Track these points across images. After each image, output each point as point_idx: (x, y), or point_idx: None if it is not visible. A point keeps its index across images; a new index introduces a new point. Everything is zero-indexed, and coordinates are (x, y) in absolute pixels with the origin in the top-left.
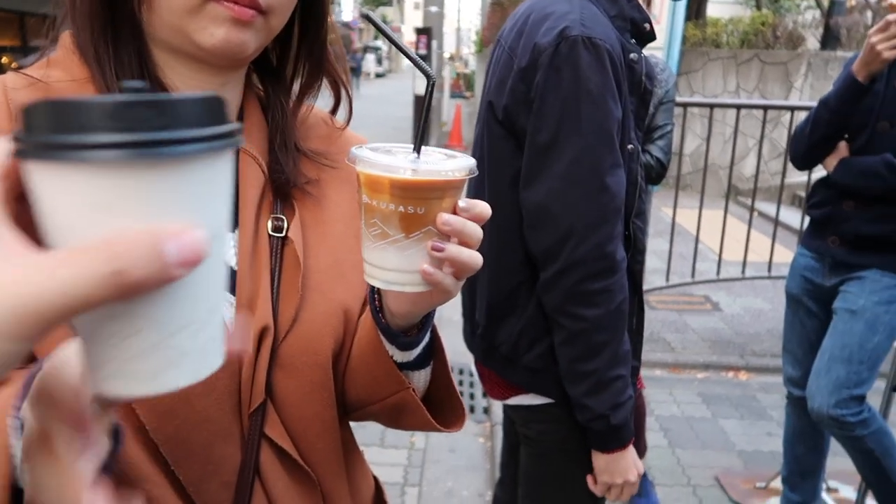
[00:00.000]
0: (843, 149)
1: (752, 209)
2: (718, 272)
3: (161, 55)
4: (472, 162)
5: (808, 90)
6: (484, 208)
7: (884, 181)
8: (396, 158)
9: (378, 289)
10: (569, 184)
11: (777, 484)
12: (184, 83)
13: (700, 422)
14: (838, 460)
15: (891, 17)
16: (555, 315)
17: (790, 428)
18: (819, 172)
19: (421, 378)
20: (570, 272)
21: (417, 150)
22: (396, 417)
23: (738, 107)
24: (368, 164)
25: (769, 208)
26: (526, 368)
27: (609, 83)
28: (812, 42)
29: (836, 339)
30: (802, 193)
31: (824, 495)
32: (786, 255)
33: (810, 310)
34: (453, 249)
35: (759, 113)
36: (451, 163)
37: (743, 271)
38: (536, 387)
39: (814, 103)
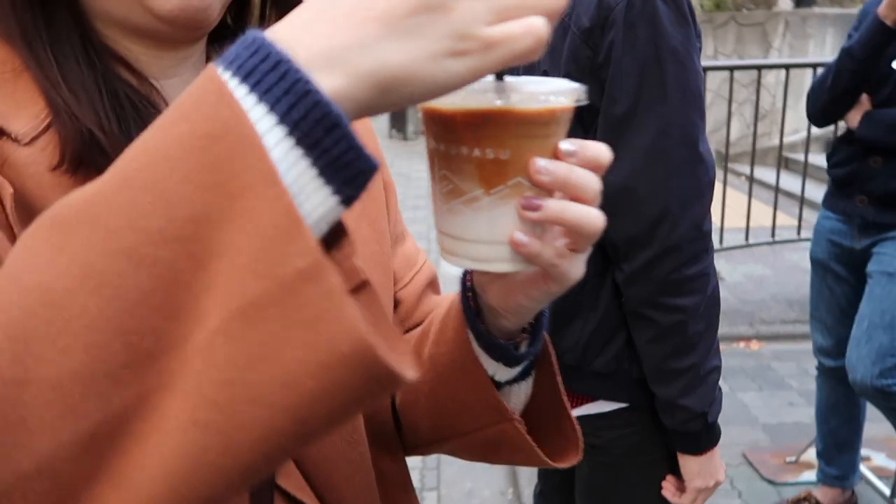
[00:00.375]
0: (865, 102)
1: (751, 176)
2: (721, 241)
3: (105, 31)
4: (576, 85)
5: (786, 49)
6: (599, 151)
7: None
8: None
9: (472, 279)
10: (657, 158)
11: (807, 457)
12: (136, 63)
13: None
14: (868, 427)
15: None
16: (643, 309)
17: (823, 400)
18: (794, 137)
19: (520, 394)
20: (665, 259)
21: (500, 77)
22: (488, 453)
23: (731, 69)
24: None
25: (758, 173)
26: (596, 375)
27: (692, 37)
28: (785, 2)
29: (874, 304)
30: (789, 155)
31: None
32: (781, 219)
33: (839, 275)
34: (554, 206)
35: (740, 76)
36: (548, 85)
37: (746, 238)
38: (608, 393)
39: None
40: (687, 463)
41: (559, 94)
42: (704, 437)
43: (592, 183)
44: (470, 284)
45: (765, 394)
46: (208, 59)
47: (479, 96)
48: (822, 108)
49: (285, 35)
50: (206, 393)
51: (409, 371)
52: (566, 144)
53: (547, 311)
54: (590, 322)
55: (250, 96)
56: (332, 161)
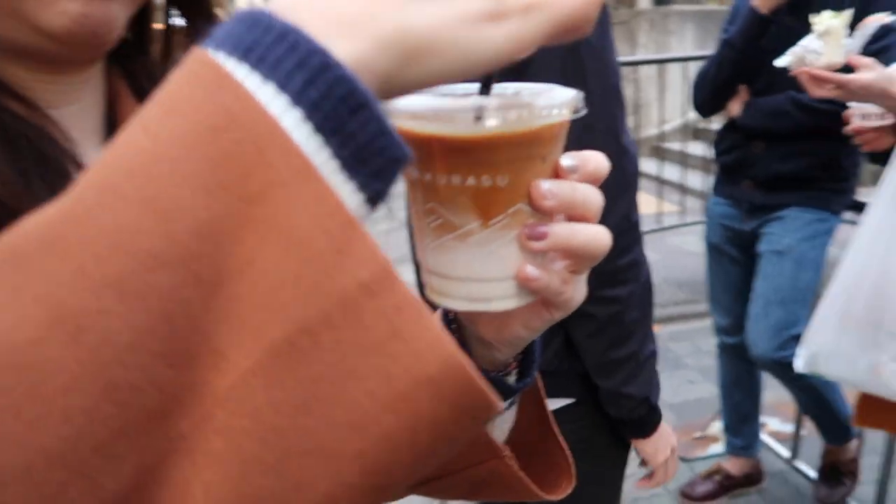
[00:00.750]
0: (744, 91)
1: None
2: None
3: None
4: (573, 93)
5: (652, 45)
6: (599, 161)
7: (792, 118)
8: (454, 101)
9: (456, 311)
10: None
11: (712, 430)
12: (26, 91)
13: None
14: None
15: None
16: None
17: (725, 376)
18: (666, 127)
19: (504, 425)
20: None
21: (486, 86)
22: (475, 491)
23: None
24: (410, 116)
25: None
26: (540, 373)
27: (607, 33)
28: (645, 1)
29: (767, 282)
30: (663, 145)
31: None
32: (664, 206)
33: (733, 257)
34: (562, 231)
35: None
36: (543, 97)
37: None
38: (553, 390)
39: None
40: (642, 447)
41: (559, 105)
42: (650, 420)
43: (596, 199)
44: (453, 316)
45: (666, 374)
46: (110, 80)
47: (464, 120)
48: (709, 98)
49: (287, 4)
50: (248, 451)
51: (498, 401)
52: (567, 161)
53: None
54: None
55: (254, 75)
56: (358, 150)
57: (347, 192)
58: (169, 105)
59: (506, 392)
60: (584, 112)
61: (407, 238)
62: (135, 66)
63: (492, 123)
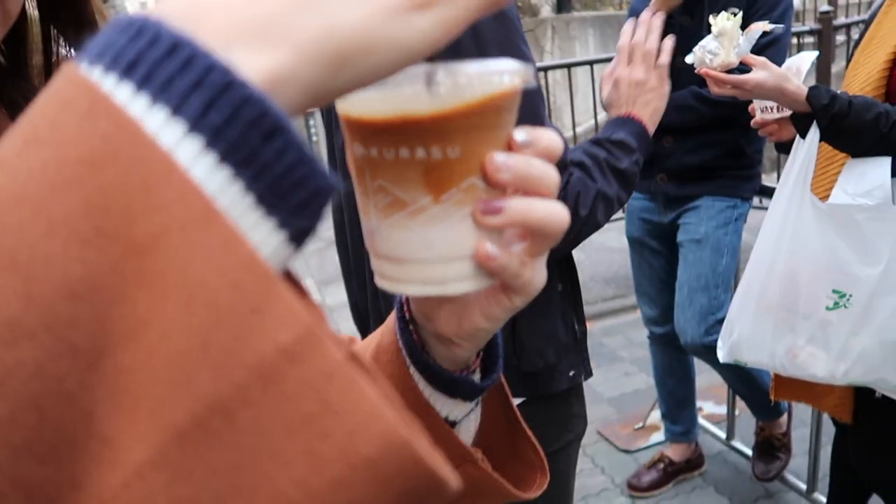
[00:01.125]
0: None
1: None
2: None
3: None
4: (519, 64)
5: (556, 51)
6: (552, 138)
7: (696, 112)
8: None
9: (410, 309)
10: None
11: (652, 420)
12: None
13: None
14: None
15: None
16: None
17: (658, 365)
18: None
19: (470, 425)
20: None
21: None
22: (452, 500)
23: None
24: (353, 100)
25: None
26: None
27: (514, 28)
28: (546, 10)
29: (689, 270)
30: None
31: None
32: None
33: (654, 249)
34: (519, 206)
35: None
36: (491, 66)
37: None
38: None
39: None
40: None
41: (510, 73)
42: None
43: (552, 174)
44: (409, 316)
45: (603, 370)
46: None
47: (409, 90)
48: None
49: (181, 8)
50: None
51: (452, 476)
52: (521, 134)
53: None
54: None
55: (139, 97)
56: (275, 182)
57: (265, 232)
58: (31, 135)
59: (471, 391)
60: (534, 85)
61: (336, 258)
62: (14, 93)
63: (443, 89)
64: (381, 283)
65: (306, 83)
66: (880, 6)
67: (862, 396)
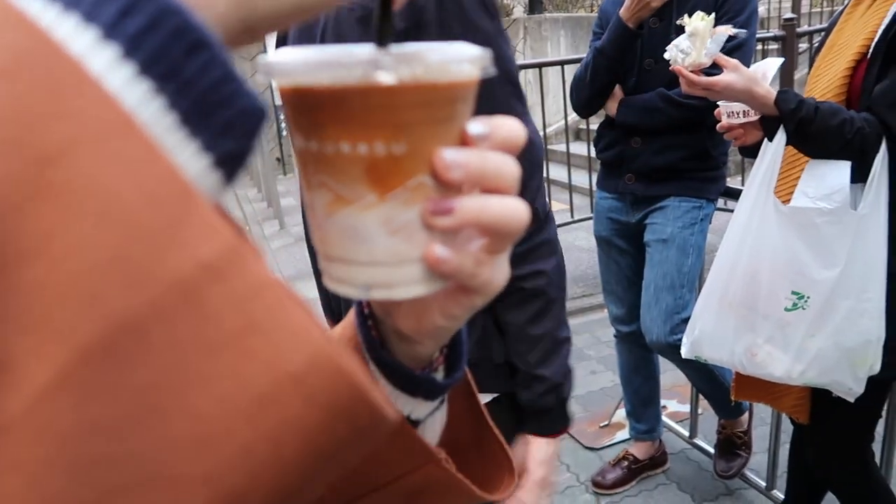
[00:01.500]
0: (619, 91)
1: None
2: None
3: None
4: (478, 50)
5: (528, 52)
6: (513, 128)
7: (664, 113)
8: (346, 55)
9: (370, 305)
10: None
11: (617, 418)
12: None
13: None
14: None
15: None
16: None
17: (624, 364)
18: (549, 130)
19: (436, 424)
20: None
21: (380, 40)
22: (413, 502)
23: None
24: (290, 71)
25: None
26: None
27: (499, 26)
28: (518, 10)
29: (655, 269)
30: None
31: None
32: (553, 205)
33: (622, 248)
34: (472, 205)
35: None
36: (447, 52)
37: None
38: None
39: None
40: (535, 450)
41: (468, 61)
42: (559, 414)
43: (510, 167)
44: (368, 311)
45: None
46: None
47: (356, 71)
48: (586, 101)
49: None
50: (55, 489)
51: (388, 408)
52: (476, 127)
53: (465, 326)
54: None
55: (51, 7)
56: (200, 99)
57: (189, 154)
58: None
59: (433, 390)
60: (493, 72)
61: (305, 254)
62: None
63: (391, 76)
64: (327, 283)
65: (221, 10)
66: (840, 14)
67: (818, 397)
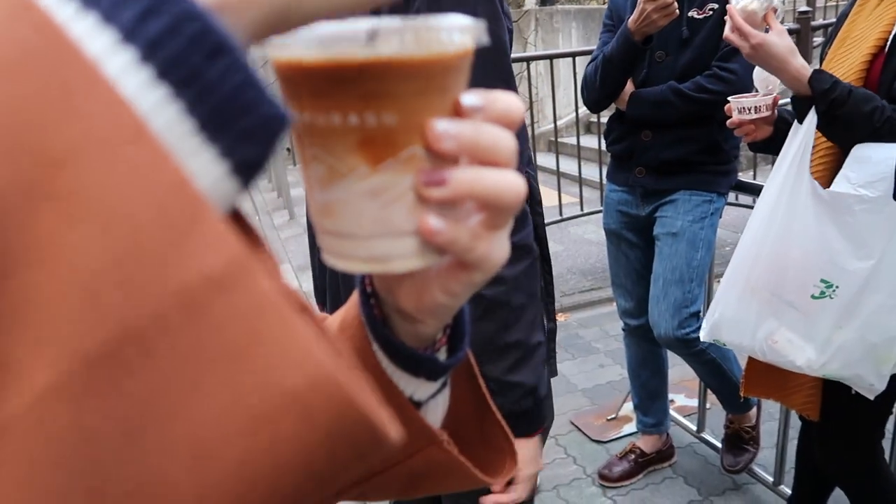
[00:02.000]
0: (629, 84)
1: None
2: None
3: None
4: (470, 20)
5: (540, 43)
6: (510, 102)
7: (674, 107)
8: (336, 28)
9: (372, 282)
10: None
11: (624, 411)
12: None
13: None
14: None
15: None
16: None
17: (632, 357)
18: (560, 122)
19: (438, 407)
20: None
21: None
22: (411, 486)
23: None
24: (286, 45)
25: (537, 158)
26: None
27: (498, 13)
28: (530, 2)
29: (664, 262)
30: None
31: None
32: (563, 198)
33: (631, 241)
34: (464, 178)
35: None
36: (438, 22)
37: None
38: None
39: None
40: (521, 448)
41: (460, 31)
42: (536, 414)
43: (506, 141)
44: (371, 290)
45: (578, 361)
46: None
47: (345, 44)
48: (595, 101)
49: None
50: (49, 487)
51: (391, 426)
52: (470, 98)
53: (467, 305)
54: None
55: (68, 3)
56: (220, 106)
57: (206, 161)
58: None
59: (435, 370)
60: (487, 42)
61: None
62: None
63: (381, 47)
64: (325, 258)
65: (249, 19)
66: (850, 7)
67: (828, 394)
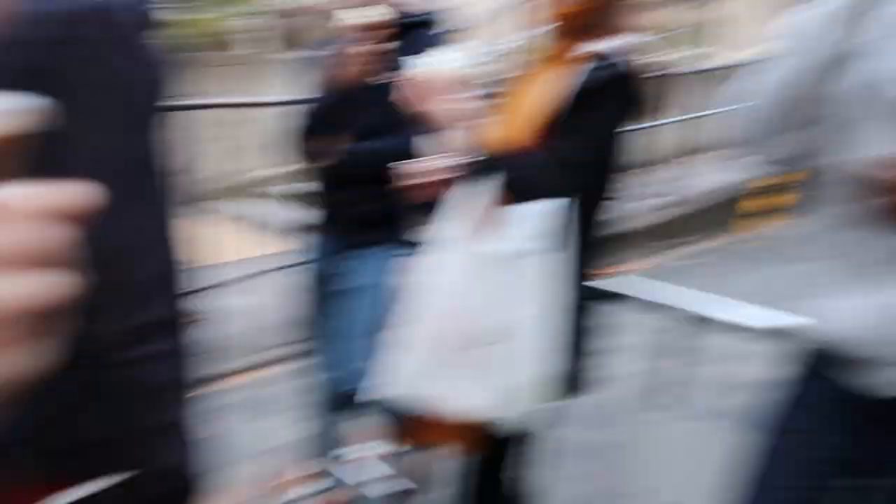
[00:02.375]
0: (326, 140)
1: (247, 208)
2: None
3: None
4: (22, 99)
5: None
6: (59, 195)
7: (359, 166)
8: None
9: None
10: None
11: (317, 467)
12: None
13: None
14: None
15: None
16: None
17: (322, 411)
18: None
19: None
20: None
21: None
22: None
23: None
24: None
25: (236, 207)
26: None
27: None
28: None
29: (348, 317)
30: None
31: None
32: (256, 249)
33: (323, 296)
34: None
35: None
36: None
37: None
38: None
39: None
40: None
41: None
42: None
43: (43, 242)
44: None
45: (271, 418)
46: None
47: None
48: (298, 151)
49: None
50: None
51: None
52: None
53: None
54: None
55: None
56: None
57: None
58: None
59: None
60: (57, 127)
61: None
62: None
63: None
64: None
65: None
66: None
67: (485, 432)
